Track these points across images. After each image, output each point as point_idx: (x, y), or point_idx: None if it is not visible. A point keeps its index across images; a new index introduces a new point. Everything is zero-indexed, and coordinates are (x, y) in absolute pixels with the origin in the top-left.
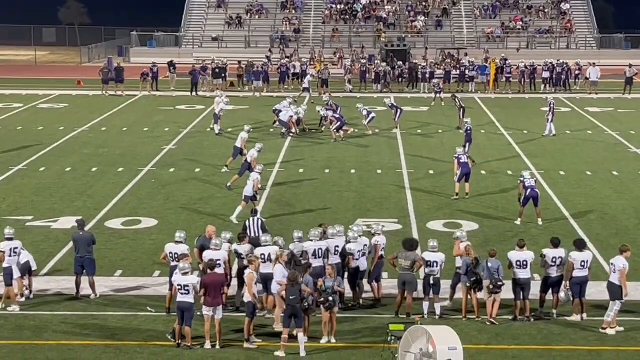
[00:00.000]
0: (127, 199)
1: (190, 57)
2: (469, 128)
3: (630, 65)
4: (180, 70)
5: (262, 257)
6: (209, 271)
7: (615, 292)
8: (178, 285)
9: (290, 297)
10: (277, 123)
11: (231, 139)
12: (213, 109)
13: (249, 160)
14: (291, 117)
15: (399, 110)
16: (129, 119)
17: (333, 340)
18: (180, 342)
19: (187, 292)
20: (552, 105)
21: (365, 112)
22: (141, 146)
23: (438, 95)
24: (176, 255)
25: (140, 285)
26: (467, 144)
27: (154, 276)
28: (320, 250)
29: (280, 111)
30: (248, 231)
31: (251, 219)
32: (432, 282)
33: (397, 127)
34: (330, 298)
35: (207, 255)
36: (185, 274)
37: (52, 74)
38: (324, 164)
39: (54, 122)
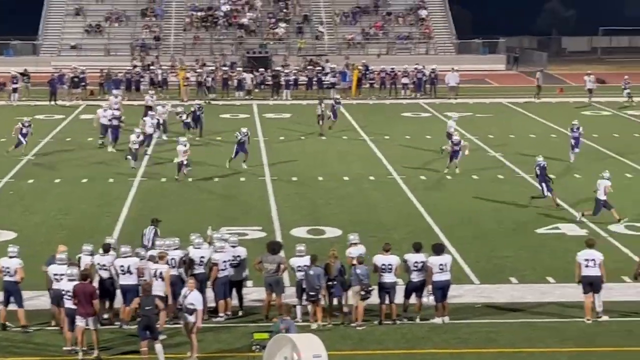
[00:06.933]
0: None
1: (49, 65)
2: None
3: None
4: (40, 79)
5: (122, 268)
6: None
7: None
8: (63, 290)
9: (146, 308)
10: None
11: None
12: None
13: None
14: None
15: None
16: None
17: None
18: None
19: (69, 298)
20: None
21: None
22: None
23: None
24: (8, 270)
25: None
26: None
27: None
28: (173, 260)
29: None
30: (143, 239)
31: (150, 227)
32: (304, 286)
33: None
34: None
35: (52, 270)
36: (71, 280)
37: None
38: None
39: None
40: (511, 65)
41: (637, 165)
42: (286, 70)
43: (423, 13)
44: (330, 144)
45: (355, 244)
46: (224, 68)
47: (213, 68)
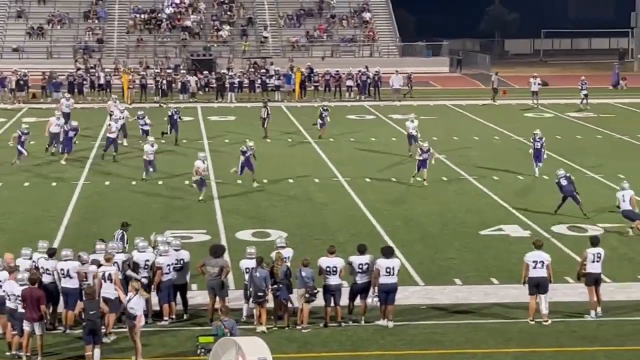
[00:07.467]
0: None
1: None
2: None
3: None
4: None
5: (62, 272)
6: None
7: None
8: (13, 295)
9: (90, 312)
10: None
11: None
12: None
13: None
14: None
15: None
16: None
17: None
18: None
19: (20, 302)
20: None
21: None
22: None
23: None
24: None
25: None
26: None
27: None
28: (116, 264)
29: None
30: (114, 240)
31: (119, 231)
32: (251, 289)
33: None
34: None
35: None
36: (22, 284)
37: None
38: (131, 176)
39: None
40: (454, 67)
41: (579, 167)
42: (230, 73)
43: (367, 16)
44: (275, 147)
45: (283, 247)
46: (168, 71)
47: (158, 71)
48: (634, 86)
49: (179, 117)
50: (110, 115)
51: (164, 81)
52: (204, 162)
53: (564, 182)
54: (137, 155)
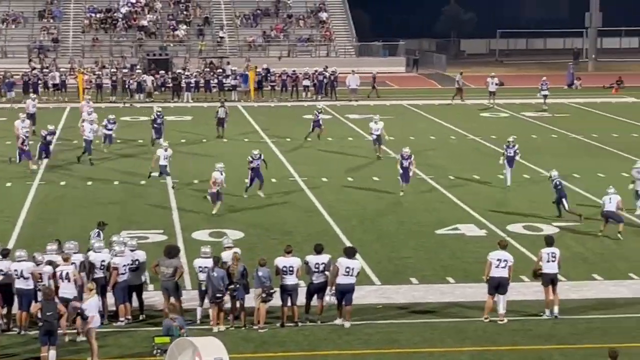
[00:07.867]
0: None
1: None
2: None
3: None
4: None
5: (16, 273)
6: None
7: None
8: None
9: (47, 313)
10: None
11: None
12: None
13: None
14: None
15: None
16: None
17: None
18: None
19: None
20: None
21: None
22: None
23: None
24: None
25: None
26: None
27: None
28: (74, 264)
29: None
30: (90, 239)
31: (96, 229)
32: (204, 288)
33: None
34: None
35: None
36: None
37: None
38: (87, 176)
39: None
40: (411, 67)
41: (534, 166)
42: (187, 73)
43: (324, 16)
44: (232, 147)
45: (230, 247)
46: (124, 70)
47: (114, 70)
48: (589, 86)
49: (163, 119)
50: (82, 114)
51: (130, 81)
52: (222, 174)
53: (559, 184)
54: (95, 156)
